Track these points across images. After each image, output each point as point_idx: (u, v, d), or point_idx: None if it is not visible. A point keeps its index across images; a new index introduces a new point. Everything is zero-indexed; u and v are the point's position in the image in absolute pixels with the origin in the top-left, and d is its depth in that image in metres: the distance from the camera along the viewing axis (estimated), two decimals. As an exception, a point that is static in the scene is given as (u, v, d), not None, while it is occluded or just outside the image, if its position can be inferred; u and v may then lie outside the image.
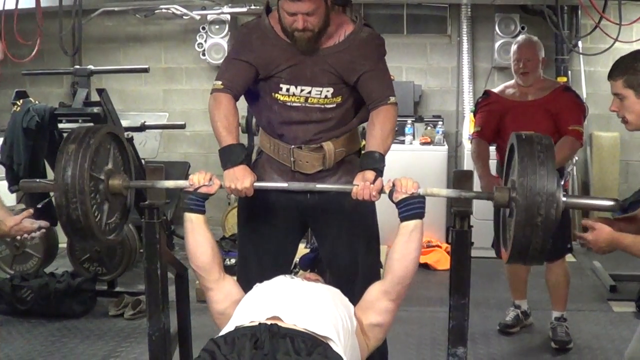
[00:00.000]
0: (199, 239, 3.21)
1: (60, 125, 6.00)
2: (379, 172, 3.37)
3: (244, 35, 3.63)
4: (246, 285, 3.35)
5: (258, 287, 3.18)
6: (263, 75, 3.60)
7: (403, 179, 3.16)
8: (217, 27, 8.75)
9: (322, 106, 3.64)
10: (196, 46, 8.83)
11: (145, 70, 7.02)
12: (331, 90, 3.60)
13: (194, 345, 3.88)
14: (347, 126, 3.76)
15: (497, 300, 6.10)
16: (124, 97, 9.06)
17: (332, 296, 3.12)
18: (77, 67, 6.81)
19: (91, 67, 6.40)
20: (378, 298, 3.12)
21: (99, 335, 5.63)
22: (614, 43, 6.74)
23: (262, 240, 3.81)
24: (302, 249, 6.62)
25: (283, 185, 3.41)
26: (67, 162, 3.14)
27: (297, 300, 2.99)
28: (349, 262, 3.70)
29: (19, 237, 3.82)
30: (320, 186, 3.48)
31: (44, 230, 3.77)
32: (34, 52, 6.91)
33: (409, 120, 8.23)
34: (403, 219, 3.12)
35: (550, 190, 2.88)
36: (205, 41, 8.80)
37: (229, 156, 3.42)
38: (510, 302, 5.69)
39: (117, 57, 9.21)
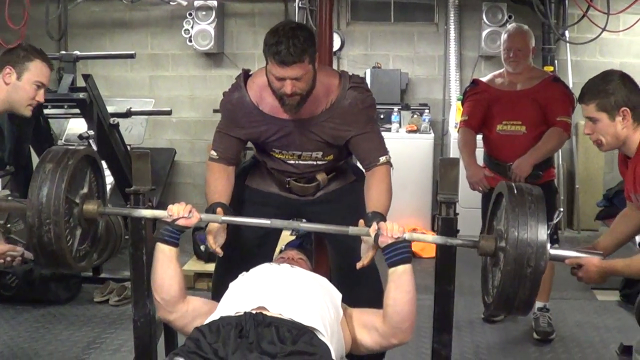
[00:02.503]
0: (168, 272, 3.15)
1: (46, 111, 5.98)
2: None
3: (230, 112, 3.66)
4: (228, 272, 3.38)
5: (244, 276, 3.18)
6: (255, 142, 3.76)
7: (389, 223, 3.12)
8: (203, 13, 8.71)
9: (315, 162, 3.74)
10: (183, 32, 8.79)
11: (132, 56, 6.99)
12: (321, 153, 3.69)
13: (179, 332, 3.87)
14: (341, 160, 3.90)
15: (482, 289, 6.11)
16: (110, 83, 9.02)
17: (319, 285, 3.13)
18: (63, 52, 6.78)
19: (77, 52, 6.37)
20: (377, 330, 3.12)
21: (84, 321, 5.62)
22: (601, 32, 6.77)
23: (247, 229, 3.80)
24: (288, 236, 6.61)
25: (266, 222, 3.37)
26: (43, 182, 3.07)
27: (283, 290, 2.99)
28: (352, 244, 3.72)
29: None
30: (305, 225, 3.50)
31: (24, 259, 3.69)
32: (20, 38, 6.88)
33: (396, 108, 8.26)
34: (391, 264, 3.07)
35: (540, 242, 2.89)
36: (192, 27, 8.75)
37: (209, 212, 3.48)
38: (495, 291, 5.70)
39: (103, 43, 9.16)
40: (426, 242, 3.32)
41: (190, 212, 3.18)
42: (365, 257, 3.29)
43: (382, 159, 3.59)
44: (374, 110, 3.70)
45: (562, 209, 3.29)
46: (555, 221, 3.43)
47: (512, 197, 3.00)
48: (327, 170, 3.83)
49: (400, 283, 3.05)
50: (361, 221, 3.32)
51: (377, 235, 3.10)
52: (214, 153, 3.69)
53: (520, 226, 2.89)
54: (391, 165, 3.63)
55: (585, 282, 3.33)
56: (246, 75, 3.67)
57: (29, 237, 3.12)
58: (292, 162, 3.73)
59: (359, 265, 3.31)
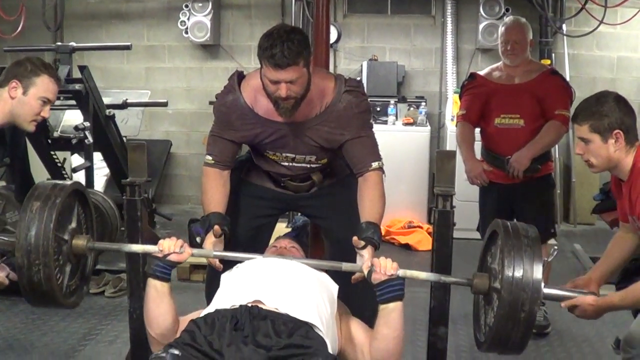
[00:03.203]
0: (162, 308, 3.10)
1: (42, 102, 5.96)
2: (377, 245, 3.36)
3: (224, 115, 3.64)
4: (222, 264, 3.36)
5: (238, 268, 3.17)
6: (249, 144, 3.76)
7: (382, 259, 3.09)
8: (200, 4, 8.69)
9: (308, 165, 3.75)
10: (179, 24, 8.77)
11: (128, 48, 6.98)
12: (314, 156, 3.70)
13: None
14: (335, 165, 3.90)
15: (478, 282, 6.10)
16: (106, 75, 9.01)
17: (316, 279, 3.12)
18: (59, 44, 6.75)
19: (73, 44, 6.35)
20: (362, 352, 3.12)
21: (79, 313, 5.61)
22: (598, 25, 6.76)
23: (241, 222, 3.84)
24: (284, 228, 6.61)
25: (256, 256, 3.33)
26: (31, 221, 3.00)
27: (279, 284, 3.00)
28: (346, 234, 3.72)
29: None
30: (305, 261, 3.41)
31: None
32: (19, 28, 6.87)
33: (392, 101, 8.24)
34: (382, 302, 3.05)
35: (535, 286, 2.88)
36: (188, 19, 8.73)
37: (203, 225, 3.50)
38: (491, 284, 5.71)
39: (100, 35, 9.15)
40: (420, 279, 3.23)
41: (181, 246, 3.14)
42: (360, 273, 3.25)
43: (375, 164, 3.57)
44: (369, 114, 3.69)
45: (557, 249, 3.27)
46: (550, 259, 3.41)
47: (507, 238, 2.99)
48: (322, 170, 3.83)
49: (389, 320, 3.04)
50: (355, 238, 3.31)
51: (370, 272, 3.07)
52: (209, 158, 3.67)
53: (516, 270, 2.88)
54: (383, 172, 3.61)
55: (584, 319, 3.33)
56: (240, 77, 3.66)
57: (19, 277, 3.05)
58: (285, 164, 3.73)
59: (354, 278, 3.27)
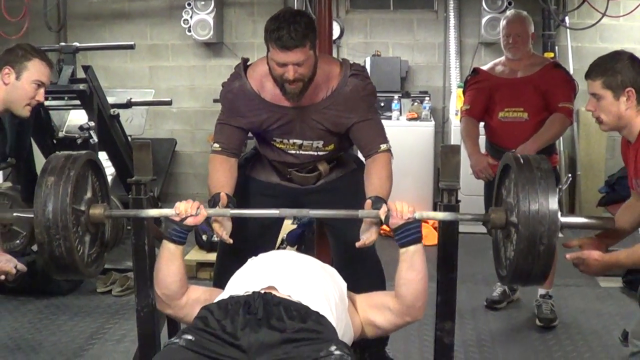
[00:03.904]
0: (172, 269, 3.13)
1: (46, 103, 5.96)
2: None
3: (231, 102, 3.67)
4: (230, 261, 3.38)
5: (253, 260, 3.19)
6: (256, 132, 3.75)
7: (398, 203, 3.11)
8: (202, 3, 8.68)
9: (316, 153, 3.76)
10: (182, 22, 8.77)
11: (131, 47, 6.97)
12: (322, 142, 3.71)
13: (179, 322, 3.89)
14: (342, 151, 3.92)
15: (484, 276, 6.12)
16: (110, 74, 9.01)
17: (327, 274, 3.13)
18: (63, 44, 6.75)
19: (76, 44, 6.35)
20: (390, 309, 3.13)
21: (87, 312, 5.63)
22: (601, 17, 6.76)
23: (249, 219, 3.82)
24: (290, 225, 6.62)
25: (274, 212, 3.34)
26: (47, 197, 3.00)
27: (292, 274, 3.02)
28: (352, 235, 3.74)
29: None
30: (314, 212, 3.44)
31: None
32: (23, 29, 6.88)
33: (396, 96, 8.25)
34: (402, 245, 3.08)
35: (552, 218, 2.88)
36: (191, 17, 8.73)
37: (210, 203, 3.47)
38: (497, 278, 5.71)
39: (103, 34, 9.14)
40: (436, 219, 3.30)
41: (197, 208, 3.14)
42: (366, 237, 3.30)
43: (383, 146, 3.60)
44: (374, 98, 3.71)
45: (570, 175, 3.30)
46: (565, 186, 3.41)
47: (520, 172, 2.99)
48: (328, 160, 3.83)
49: (412, 263, 3.06)
50: (368, 202, 3.33)
51: (387, 217, 3.10)
52: (216, 145, 3.68)
53: (531, 204, 2.89)
54: (392, 154, 3.63)
55: (588, 274, 3.33)
56: (245, 64, 3.68)
57: (41, 252, 3.09)
58: (292, 152, 3.74)
59: (358, 244, 3.31)
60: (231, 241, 3.40)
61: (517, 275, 3.04)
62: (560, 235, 3.14)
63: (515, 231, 2.99)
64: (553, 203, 2.90)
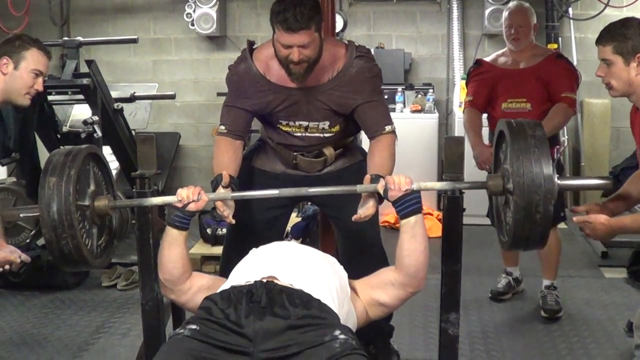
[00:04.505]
0: (173, 254, 3.17)
1: (50, 97, 5.99)
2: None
3: (236, 84, 3.69)
4: (237, 253, 3.38)
5: (254, 251, 3.20)
6: (262, 114, 3.75)
7: (395, 176, 3.13)
8: (205, -4, 8.69)
9: (322, 135, 3.76)
10: (185, 16, 8.75)
11: (134, 41, 6.99)
12: (327, 122, 3.71)
13: (187, 314, 3.88)
14: (348, 135, 3.91)
15: (489, 267, 6.13)
16: (113, 69, 9.01)
17: (327, 263, 3.15)
18: (66, 38, 6.77)
19: (80, 38, 6.37)
20: (393, 285, 3.16)
21: (92, 306, 5.65)
22: (604, 8, 6.74)
23: (256, 209, 3.85)
24: (294, 218, 6.63)
25: (274, 192, 3.37)
26: (50, 197, 3.01)
27: (293, 263, 3.04)
28: (356, 226, 3.75)
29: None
30: (313, 190, 3.44)
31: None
32: (24, 24, 6.89)
33: (400, 88, 8.22)
34: (403, 216, 3.11)
35: (547, 186, 2.87)
36: (194, 11, 8.71)
37: (212, 184, 3.50)
38: (502, 269, 5.72)
39: (106, 29, 9.13)
40: (435, 189, 3.34)
41: (199, 194, 3.18)
42: (362, 211, 3.34)
43: (388, 127, 3.63)
44: (380, 80, 3.72)
45: (566, 138, 3.26)
46: (557, 156, 3.38)
47: (514, 141, 2.98)
48: (335, 146, 3.84)
49: (414, 233, 3.09)
50: (367, 177, 3.34)
51: (385, 191, 3.12)
52: (222, 127, 3.70)
53: (526, 174, 2.88)
54: (396, 136, 3.66)
55: (593, 239, 3.34)
56: (251, 46, 3.70)
57: (50, 251, 3.10)
58: (299, 134, 3.75)
59: (355, 217, 3.34)
60: (234, 221, 3.42)
61: (516, 242, 3.06)
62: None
63: (513, 202, 2.99)
64: (548, 171, 2.88)
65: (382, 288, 3.17)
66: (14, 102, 3.79)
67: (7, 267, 3.55)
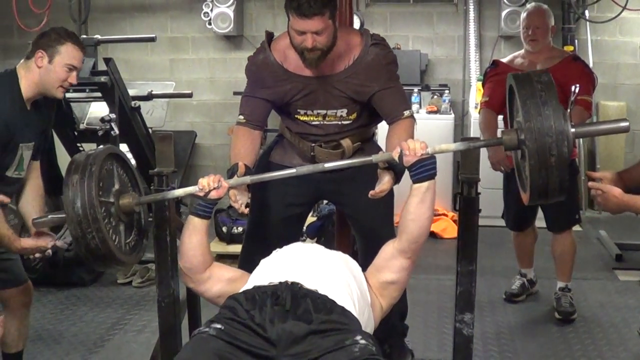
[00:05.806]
0: (194, 242, 3.19)
1: (68, 95, 6.00)
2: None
3: (255, 74, 3.72)
4: (253, 255, 3.40)
5: (278, 252, 3.22)
6: (280, 105, 3.76)
7: (410, 141, 3.11)
8: (222, -4, 8.72)
9: (339, 122, 3.77)
10: (202, 15, 8.77)
11: (152, 40, 7.02)
12: (345, 110, 3.72)
13: (202, 312, 3.91)
14: (365, 126, 3.90)
15: (503, 269, 6.13)
16: (131, 67, 9.04)
17: (348, 270, 3.14)
18: (85, 36, 6.81)
19: (98, 36, 6.41)
20: (394, 256, 3.16)
21: (107, 302, 5.68)
22: (621, 11, 6.74)
23: (276, 207, 3.88)
24: (309, 217, 6.63)
25: (291, 171, 3.36)
26: (74, 194, 3.04)
27: (319, 268, 3.04)
28: (372, 225, 3.75)
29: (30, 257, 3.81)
30: (329, 165, 3.41)
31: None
32: (43, 21, 6.93)
33: (416, 89, 8.24)
34: (417, 181, 3.09)
35: (558, 128, 2.82)
36: (211, 10, 8.73)
37: (228, 173, 3.51)
38: (517, 271, 5.72)
39: (124, 27, 9.17)
40: (449, 151, 3.30)
41: (219, 181, 3.19)
42: (379, 187, 3.35)
43: (406, 112, 3.65)
44: (396, 66, 3.74)
45: (581, 140, 3.21)
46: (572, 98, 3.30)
47: (521, 88, 2.95)
48: (352, 138, 3.84)
49: (424, 198, 3.08)
50: (381, 152, 3.35)
51: (400, 157, 3.11)
52: (240, 117, 3.73)
53: (535, 118, 2.83)
54: (415, 120, 3.69)
55: (602, 209, 3.31)
56: (270, 37, 3.76)
57: (78, 247, 3.12)
58: (316, 123, 3.76)
59: (371, 193, 3.36)
60: (246, 211, 3.43)
61: (536, 192, 2.96)
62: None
63: (527, 149, 2.93)
64: (556, 112, 2.84)
65: (386, 266, 3.17)
66: (47, 94, 3.83)
67: (37, 255, 3.62)
